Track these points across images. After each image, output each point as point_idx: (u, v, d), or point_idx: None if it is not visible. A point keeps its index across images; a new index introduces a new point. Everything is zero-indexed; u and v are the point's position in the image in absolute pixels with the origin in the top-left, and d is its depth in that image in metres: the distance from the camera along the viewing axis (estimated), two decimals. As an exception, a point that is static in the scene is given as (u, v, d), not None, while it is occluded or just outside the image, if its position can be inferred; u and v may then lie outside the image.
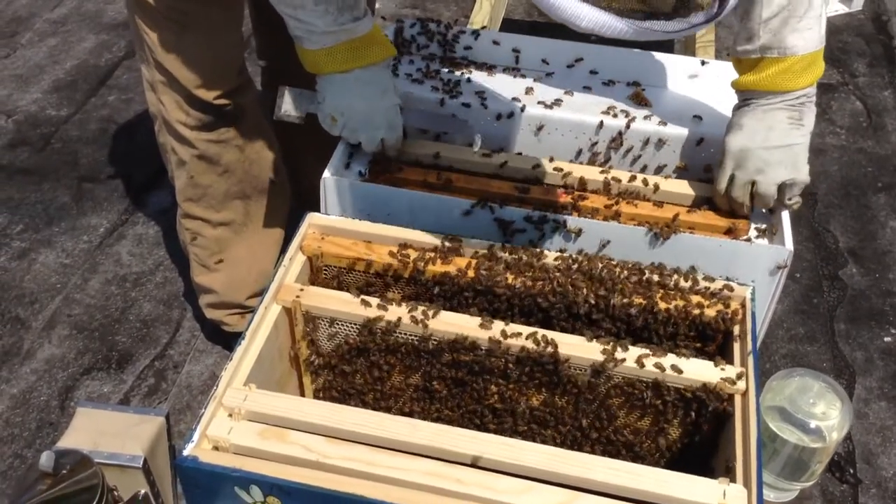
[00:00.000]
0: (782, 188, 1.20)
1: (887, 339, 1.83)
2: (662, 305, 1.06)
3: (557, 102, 1.45)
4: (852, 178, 2.23)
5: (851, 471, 1.59)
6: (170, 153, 1.55)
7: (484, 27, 1.66)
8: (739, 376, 0.99)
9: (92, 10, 2.77)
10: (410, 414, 1.15)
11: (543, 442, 1.11)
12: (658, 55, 1.58)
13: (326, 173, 1.30)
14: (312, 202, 1.30)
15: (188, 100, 1.45)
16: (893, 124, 2.40)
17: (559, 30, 2.83)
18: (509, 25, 2.68)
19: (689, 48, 2.24)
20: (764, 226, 1.25)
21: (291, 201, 1.70)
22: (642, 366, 1.02)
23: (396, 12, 2.85)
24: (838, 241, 2.05)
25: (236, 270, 1.63)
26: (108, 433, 1.27)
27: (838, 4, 2.83)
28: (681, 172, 1.39)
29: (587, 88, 1.50)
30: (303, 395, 1.18)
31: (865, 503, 1.54)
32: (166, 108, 1.47)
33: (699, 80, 1.53)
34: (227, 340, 1.73)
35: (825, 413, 1.37)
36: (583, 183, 1.31)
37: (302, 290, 1.10)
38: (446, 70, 1.53)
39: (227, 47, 1.47)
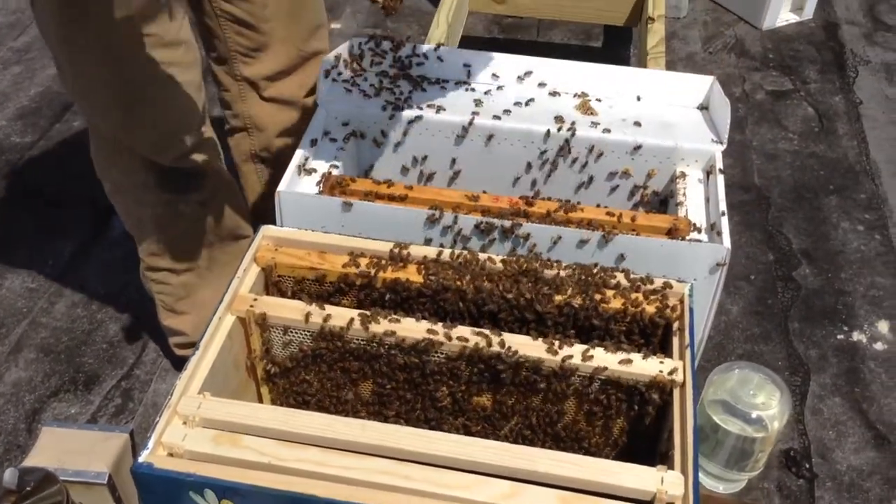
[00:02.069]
0: None
1: (840, 336, 1.88)
2: (605, 304, 1.10)
3: (506, 113, 1.50)
4: (805, 181, 2.29)
5: (808, 465, 1.63)
6: (125, 215, 1.53)
7: (440, 44, 1.70)
8: (677, 369, 1.03)
9: (56, 38, 2.80)
10: (366, 418, 1.17)
11: (497, 440, 1.13)
12: (605, 66, 1.63)
13: (281, 187, 1.33)
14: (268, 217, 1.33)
15: (144, 165, 1.41)
16: (844, 129, 2.47)
17: (517, 45, 2.90)
18: (468, 42, 2.73)
19: (641, 59, 2.30)
20: (703, 224, 1.29)
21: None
22: (587, 361, 1.05)
23: (358, 31, 2.89)
24: (791, 243, 2.10)
25: (204, 311, 1.61)
26: (74, 451, 1.29)
27: (790, 14, 2.91)
28: (626, 177, 1.45)
29: (535, 100, 1.55)
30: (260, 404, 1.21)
31: (822, 496, 1.58)
32: (119, 172, 1.44)
33: (643, 89, 1.58)
34: (193, 358, 1.75)
35: (765, 403, 1.42)
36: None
37: (256, 300, 1.13)
38: (398, 85, 1.57)
39: (187, 110, 1.40)
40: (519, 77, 1.61)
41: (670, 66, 2.69)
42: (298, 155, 1.41)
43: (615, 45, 2.84)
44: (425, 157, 1.52)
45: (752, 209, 2.19)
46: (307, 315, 1.11)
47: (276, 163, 1.71)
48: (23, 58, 2.71)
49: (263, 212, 1.69)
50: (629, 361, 1.04)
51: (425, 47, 1.65)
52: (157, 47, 1.29)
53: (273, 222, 1.29)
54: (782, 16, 2.88)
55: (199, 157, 1.45)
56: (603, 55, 2.80)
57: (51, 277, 1.98)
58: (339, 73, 1.58)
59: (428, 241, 1.30)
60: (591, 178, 1.48)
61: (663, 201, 1.48)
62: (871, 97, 2.58)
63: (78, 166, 2.30)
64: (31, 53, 2.72)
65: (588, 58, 2.76)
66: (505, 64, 1.62)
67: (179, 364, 1.78)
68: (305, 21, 1.63)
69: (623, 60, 2.75)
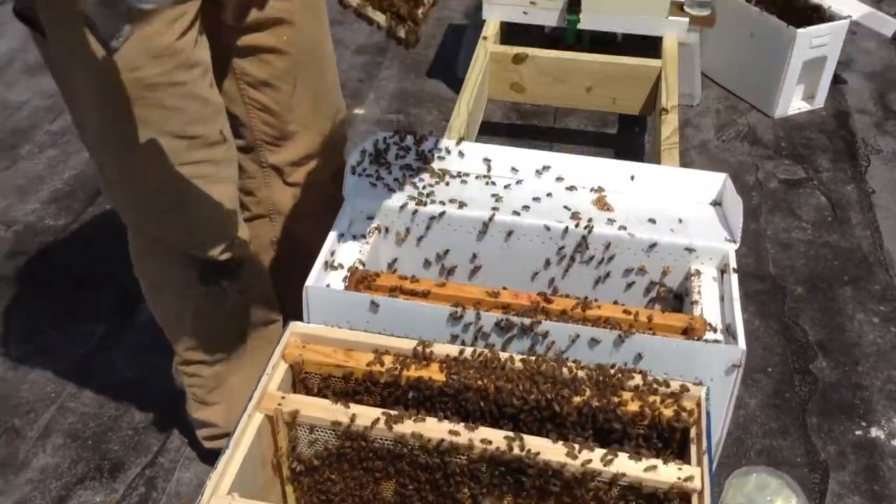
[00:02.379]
0: None
1: (858, 432, 1.88)
2: (623, 407, 1.13)
3: (525, 209, 1.55)
4: (819, 271, 2.32)
5: (828, 563, 1.62)
6: (162, 311, 1.56)
7: (462, 138, 1.76)
8: (694, 476, 1.05)
9: (90, 122, 2.91)
10: (388, 517, 1.19)
11: (516, 541, 1.15)
12: (620, 162, 1.68)
13: (308, 282, 1.37)
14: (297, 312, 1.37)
15: (186, 261, 1.45)
16: (857, 218, 2.51)
17: (534, 131, 2.96)
18: (487, 128, 2.82)
19: (655, 149, 2.36)
20: (719, 324, 1.32)
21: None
22: (607, 466, 1.07)
23: (382, 117, 2.99)
24: (808, 334, 2.12)
25: (234, 400, 1.64)
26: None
27: (801, 102, 2.98)
28: (642, 274, 1.49)
29: (553, 195, 1.60)
30: (285, 502, 1.23)
31: None
32: (159, 269, 1.49)
33: (657, 185, 1.63)
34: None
35: (782, 508, 1.43)
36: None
37: (283, 398, 1.16)
38: (421, 179, 1.63)
39: (229, 203, 1.44)
40: (537, 171, 1.67)
41: (684, 153, 2.75)
42: (325, 249, 1.46)
43: (630, 133, 2.91)
44: (447, 252, 1.57)
45: (767, 299, 2.21)
46: (334, 414, 1.14)
47: (295, 248, 1.76)
48: (58, 141, 2.81)
49: (280, 298, 1.73)
50: (650, 468, 1.06)
51: (446, 142, 1.71)
52: (202, 148, 1.36)
53: (290, 308, 1.33)
54: (794, 104, 2.95)
55: (238, 248, 1.51)
56: (618, 142, 2.88)
57: (80, 361, 2.02)
58: (365, 169, 1.64)
59: (452, 338, 1.33)
60: (607, 274, 1.52)
61: (678, 297, 1.52)
62: (884, 186, 2.63)
63: (108, 249, 2.38)
64: (66, 137, 2.82)
65: (604, 144, 2.84)
66: (523, 158, 1.68)
67: (204, 453, 1.80)
68: (327, 107, 1.69)
69: (638, 148, 2.82)
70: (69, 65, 1.27)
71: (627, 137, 2.90)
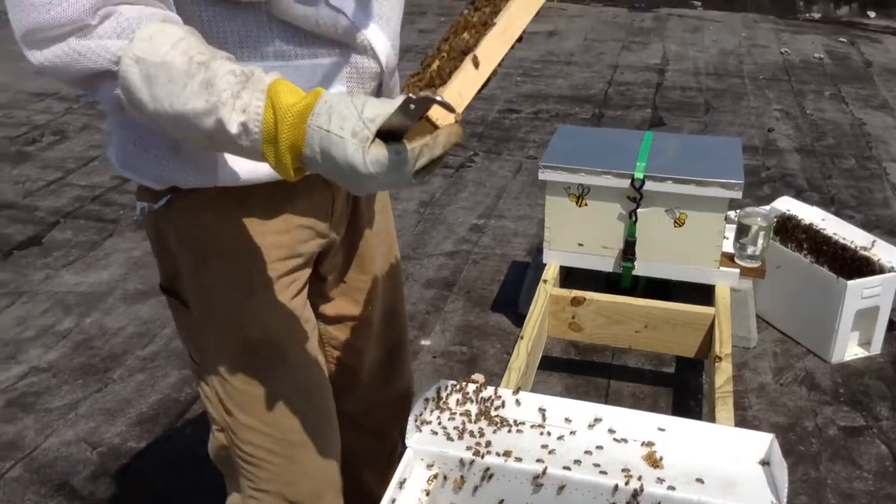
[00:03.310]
0: None
1: None
2: None
3: (577, 463, 1.63)
4: (882, 524, 2.29)
5: None
6: None
7: (519, 388, 1.89)
8: None
9: (179, 347, 3.14)
10: None
11: None
12: (670, 418, 1.77)
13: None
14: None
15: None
16: (920, 468, 2.49)
17: (592, 368, 3.06)
18: (547, 362, 2.94)
19: (709, 396, 2.43)
20: None
21: None
22: None
23: (447, 349, 3.15)
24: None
25: None
26: None
27: (858, 348, 3.04)
28: (689, 536, 1.53)
29: (604, 448, 1.68)
30: None
31: None
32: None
33: (705, 442, 1.70)
34: None
35: None
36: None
37: None
38: (479, 428, 1.74)
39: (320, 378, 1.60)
40: (589, 425, 1.76)
41: (743, 396, 2.81)
42: (387, 498, 1.56)
43: (687, 373, 2.99)
44: (502, 502, 1.65)
45: (829, 553, 2.18)
46: None
47: (358, 496, 1.84)
48: (147, 366, 3.04)
49: None
50: None
51: (504, 391, 1.84)
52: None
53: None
54: (850, 350, 3.01)
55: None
56: (675, 381, 2.96)
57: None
58: (427, 417, 1.77)
59: None
60: (657, 531, 1.56)
61: (728, 558, 1.54)
62: (946, 438, 2.62)
63: (187, 472, 2.51)
64: (155, 362, 3.05)
65: (662, 383, 2.93)
66: (577, 409, 1.78)
67: None
68: (399, 360, 1.85)
69: (695, 389, 2.89)
70: (208, 335, 1.45)
71: (684, 378, 2.98)
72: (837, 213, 3.92)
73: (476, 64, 1.12)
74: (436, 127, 1.04)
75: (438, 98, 1.00)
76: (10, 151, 4.94)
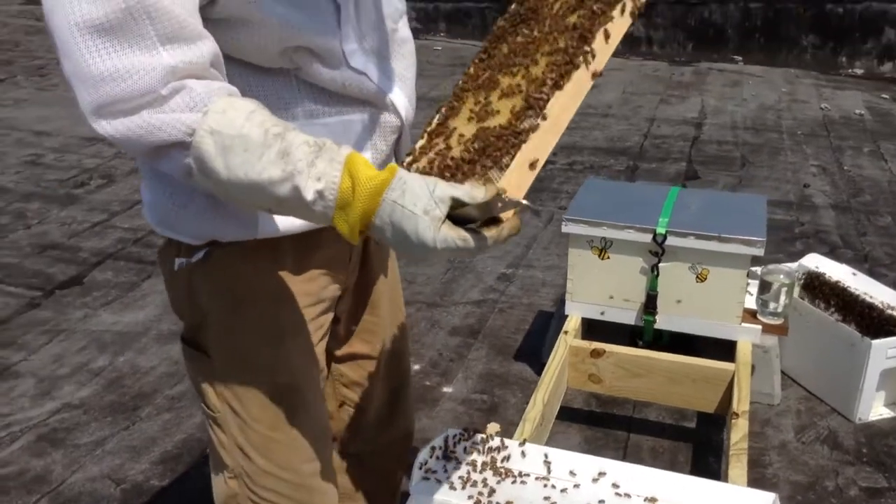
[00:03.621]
0: None
1: None
2: None
3: (577, 517, 1.65)
4: (901, 593, 2.24)
5: None
6: None
7: (525, 439, 1.91)
8: None
9: (205, 388, 3.23)
10: None
11: None
12: (674, 475, 1.78)
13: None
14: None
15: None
16: (943, 536, 2.43)
17: (612, 420, 3.05)
18: (566, 413, 2.95)
19: (725, 452, 2.42)
20: None
21: None
22: None
23: (468, 396, 3.17)
24: None
25: None
26: None
27: (883, 408, 3.00)
28: None
29: (606, 502, 1.70)
30: None
31: None
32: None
33: (708, 499, 1.70)
34: None
35: None
36: None
37: None
38: (484, 478, 1.76)
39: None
40: (593, 479, 1.78)
41: (763, 454, 2.79)
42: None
43: (709, 428, 2.97)
44: (501, 551, 1.67)
45: None
46: None
47: None
48: (175, 405, 3.11)
49: None
50: None
51: (510, 442, 1.87)
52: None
53: None
54: (875, 410, 2.96)
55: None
56: (696, 436, 2.94)
57: None
58: (432, 465, 1.80)
59: None
60: (653, 588, 1.57)
61: None
62: (973, 506, 2.56)
63: (204, 512, 2.56)
64: (182, 402, 3.12)
65: (682, 437, 2.91)
66: (582, 463, 1.81)
67: None
68: (403, 405, 1.89)
69: (716, 445, 2.87)
70: (233, 382, 1.49)
71: (706, 432, 2.96)
72: (871, 271, 3.88)
73: (533, 166, 1.21)
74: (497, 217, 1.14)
75: (525, 202, 1.13)
76: (59, 194, 5.14)
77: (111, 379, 3.27)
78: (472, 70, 1.35)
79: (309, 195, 1.09)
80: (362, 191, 1.09)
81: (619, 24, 1.35)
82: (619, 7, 1.34)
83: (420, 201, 1.07)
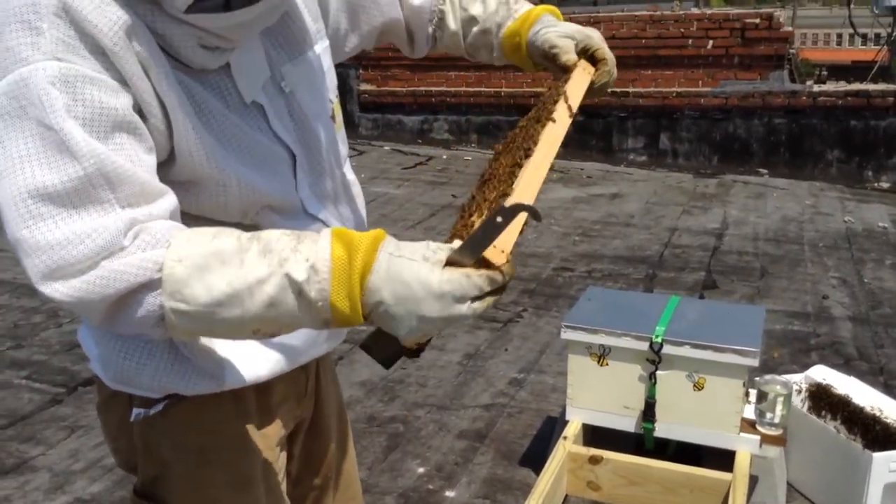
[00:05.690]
0: None
1: None
2: None
3: None
4: None
5: None
6: None
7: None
8: None
9: None
10: None
11: None
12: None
13: None
14: None
15: None
16: None
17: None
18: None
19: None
20: None
21: None
22: None
23: (469, 501, 3.17)
24: None
25: None
26: None
27: None
28: None
29: None
30: None
31: None
32: None
33: None
34: None
35: None
36: None
37: None
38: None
39: None
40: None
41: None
42: None
43: (710, 541, 2.93)
44: None
45: None
46: None
47: None
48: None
49: None
50: None
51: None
52: None
53: None
54: (882, 523, 2.90)
55: None
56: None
57: None
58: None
59: None
60: None
61: None
62: None
63: None
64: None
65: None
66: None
67: None
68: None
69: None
70: None
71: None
72: (886, 384, 3.85)
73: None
74: (490, 265, 1.07)
75: (529, 204, 1.08)
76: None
77: (122, 475, 3.33)
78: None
79: (301, 275, 1.03)
80: (358, 247, 1.04)
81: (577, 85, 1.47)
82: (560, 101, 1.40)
83: (418, 251, 1.04)
